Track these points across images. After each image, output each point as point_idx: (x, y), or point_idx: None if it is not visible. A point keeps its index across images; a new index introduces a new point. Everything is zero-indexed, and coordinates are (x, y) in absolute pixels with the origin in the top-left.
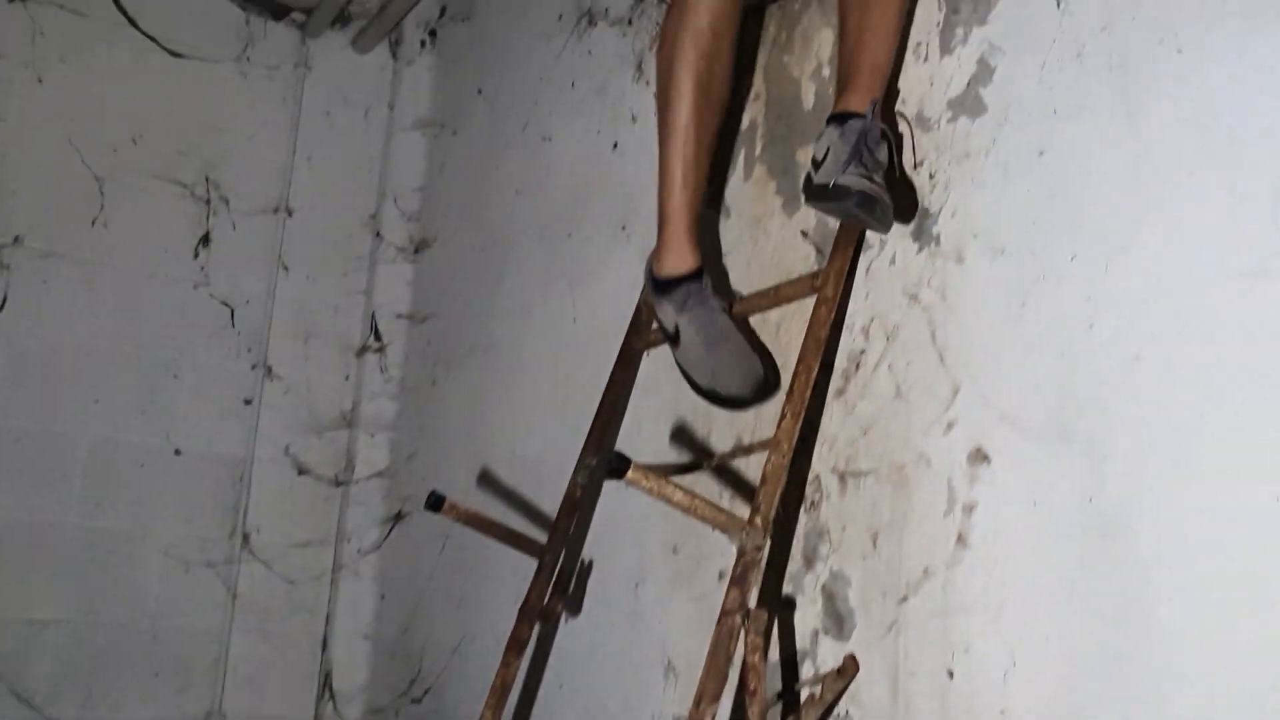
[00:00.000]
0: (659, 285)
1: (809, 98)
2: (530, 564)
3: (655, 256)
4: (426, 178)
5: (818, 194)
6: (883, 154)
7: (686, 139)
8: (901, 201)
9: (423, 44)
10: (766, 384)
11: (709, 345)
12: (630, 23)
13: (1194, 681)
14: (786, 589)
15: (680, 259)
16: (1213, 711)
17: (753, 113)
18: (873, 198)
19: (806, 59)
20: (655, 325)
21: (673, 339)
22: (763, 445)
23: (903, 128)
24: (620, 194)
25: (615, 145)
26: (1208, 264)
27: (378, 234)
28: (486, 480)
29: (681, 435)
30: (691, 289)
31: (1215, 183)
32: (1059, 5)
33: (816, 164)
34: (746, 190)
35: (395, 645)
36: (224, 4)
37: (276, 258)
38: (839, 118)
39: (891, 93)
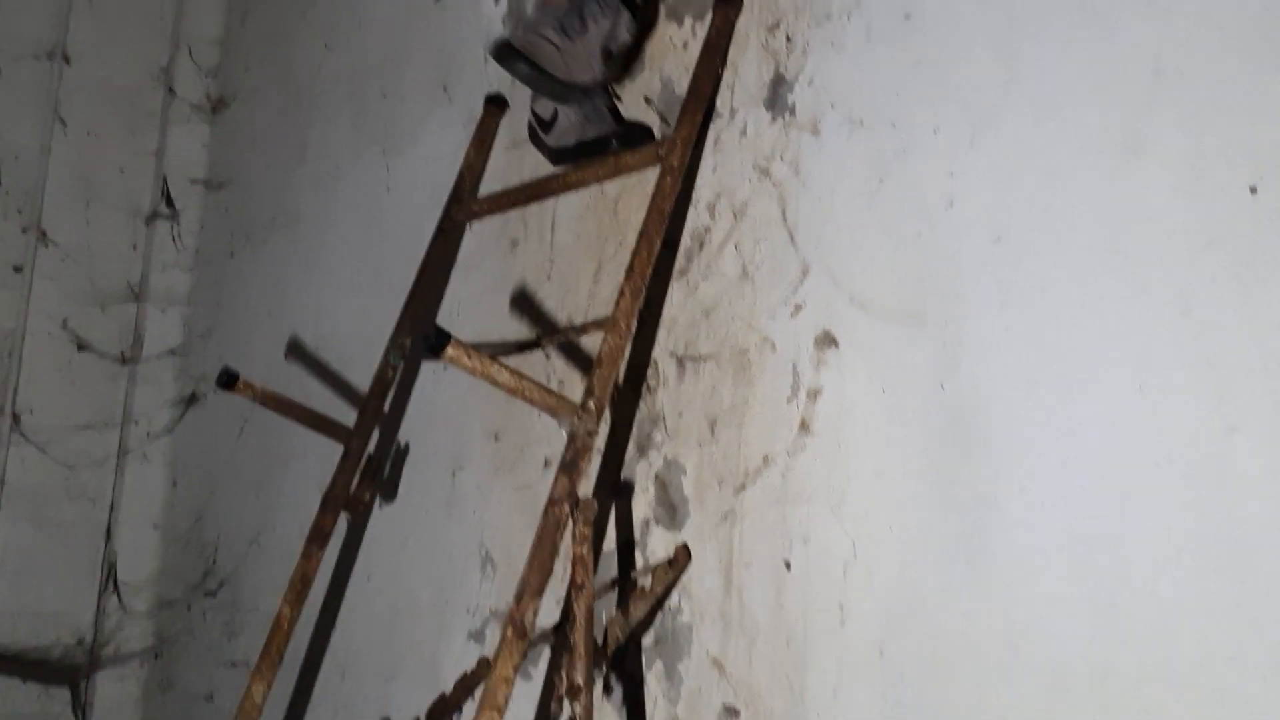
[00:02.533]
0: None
1: None
2: (337, 450)
3: None
4: (226, 29)
5: (496, 51)
6: (603, 20)
7: None
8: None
9: None
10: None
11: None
12: None
13: (1042, 576)
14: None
15: None
16: (1060, 606)
17: None
18: (536, 69)
19: None
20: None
21: (547, 124)
22: (598, 325)
23: None
24: (442, 51)
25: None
26: (1078, 138)
27: (170, 89)
28: (290, 359)
29: (508, 313)
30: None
31: (1090, 50)
32: None
33: (541, 120)
34: None
35: (188, 535)
36: None
37: (52, 109)
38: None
39: None
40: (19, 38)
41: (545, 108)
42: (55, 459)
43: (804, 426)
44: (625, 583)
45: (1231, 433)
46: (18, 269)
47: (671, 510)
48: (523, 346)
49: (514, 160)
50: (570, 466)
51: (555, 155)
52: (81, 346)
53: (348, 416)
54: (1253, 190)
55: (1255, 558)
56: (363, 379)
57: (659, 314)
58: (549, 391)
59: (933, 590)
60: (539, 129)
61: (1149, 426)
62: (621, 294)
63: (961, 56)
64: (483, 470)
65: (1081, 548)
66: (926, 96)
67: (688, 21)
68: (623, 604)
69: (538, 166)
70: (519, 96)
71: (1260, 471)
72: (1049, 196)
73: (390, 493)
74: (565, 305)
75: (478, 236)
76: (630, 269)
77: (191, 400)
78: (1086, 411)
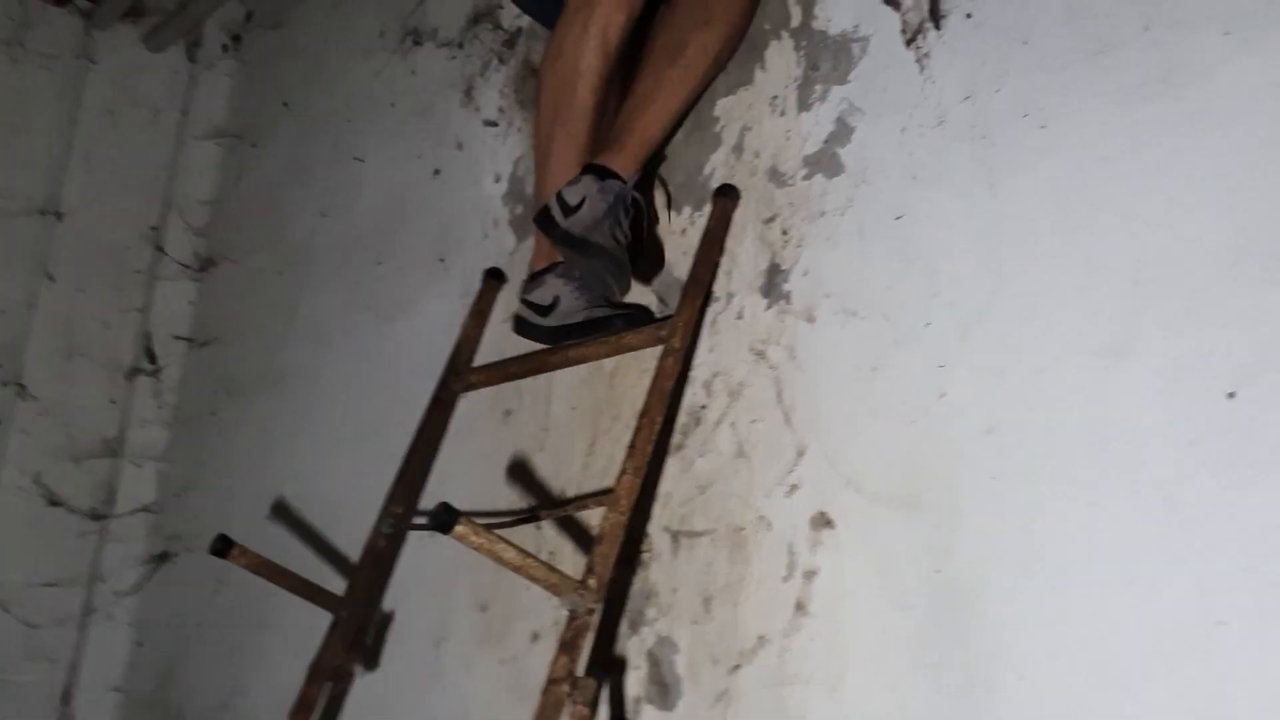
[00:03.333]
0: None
1: None
2: (317, 614)
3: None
4: (219, 191)
5: (568, 241)
6: (626, 226)
7: (579, 128)
8: (643, 265)
9: (224, 48)
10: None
11: (589, 305)
12: (461, 45)
13: None
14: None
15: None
16: None
17: None
18: (617, 259)
19: None
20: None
21: (546, 310)
22: (596, 498)
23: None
24: (439, 223)
25: (437, 172)
26: (1064, 338)
27: (159, 247)
28: (273, 522)
29: (502, 482)
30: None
31: (1073, 257)
32: (921, 70)
33: (566, 206)
34: None
35: (151, 699)
36: None
37: (40, 264)
38: (600, 171)
39: (656, 159)
40: (14, 193)
41: (544, 295)
42: (17, 617)
43: (800, 607)
44: None
45: (1218, 626)
46: None
47: (664, 689)
48: (516, 517)
49: (509, 332)
50: (570, 645)
51: (553, 334)
52: (53, 502)
53: (331, 579)
54: (1230, 395)
55: None
56: (348, 542)
57: (654, 488)
58: (552, 569)
59: None
60: (536, 314)
61: (1138, 617)
62: (623, 471)
63: (950, 256)
64: (468, 641)
65: None
66: (918, 292)
67: (687, 210)
68: None
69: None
70: (516, 271)
71: (1246, 665)
72: (1037, 392)
73: (372, 661)
74: (559, 476)
75: (471, 405)
76: (632, 447)
77: (163, 558)
78: (1078, 600)
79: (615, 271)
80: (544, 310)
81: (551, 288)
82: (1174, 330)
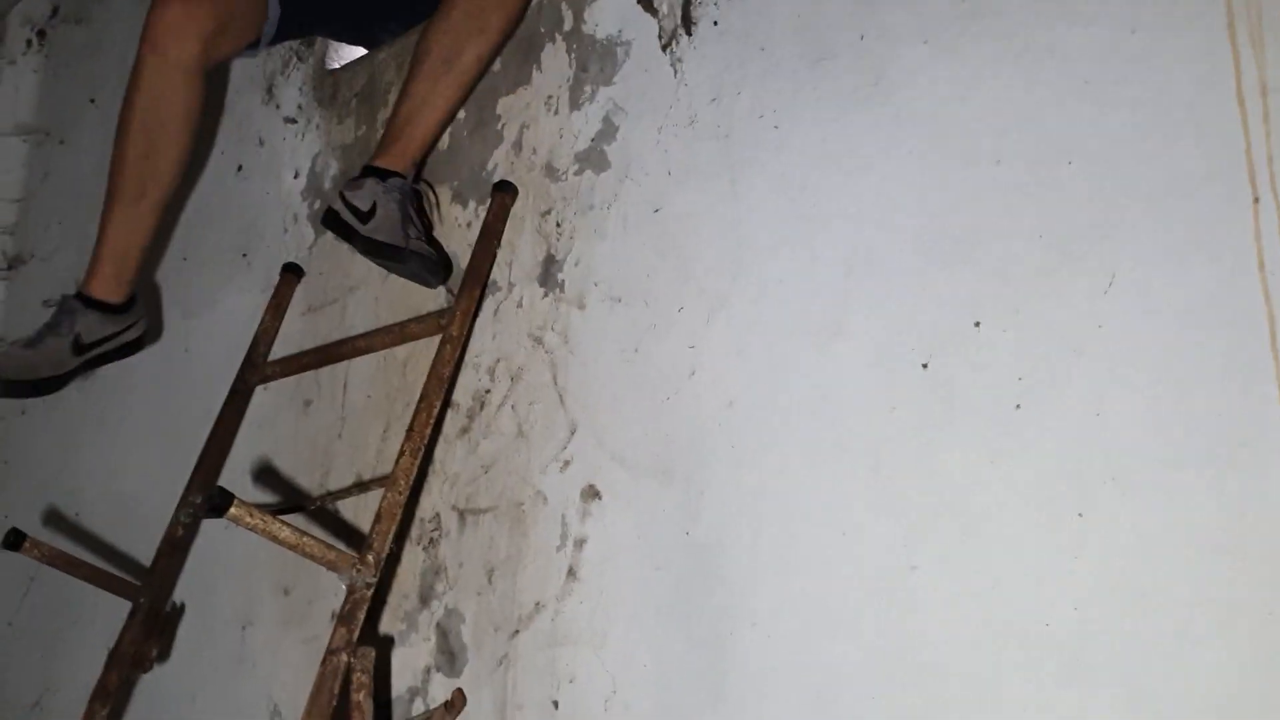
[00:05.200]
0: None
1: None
2: (125, 607)
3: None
4: (26, 188)
5: (383, 253)
6: (426, 208)
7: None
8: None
9: (29, 44)
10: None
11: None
12: None
13: (772, 702)
14: (400, 626)
15: (102, 289)
16: None
17: None
18: (435, 262)
19: None
20: None
21: (365, 216)
22: (381, 482)
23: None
24: (243, 219)
25: (240, 168)
26: (790, 320)
27: None
28: (80, 520)
29: (301, 470)
30: (75, 305)
31: (799, 248)
32: (675, 74)
33: (358, 212)
34: None
35: None
36: None
37: None
38: (380, 172)
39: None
40: None
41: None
42: None
43: (571, 573)
44: None
45: (913, 570)
46: None
47: (451, 657)
48: (311, 503)
49: (309, 325)
50: (348, 618)
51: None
52: None
53: (136, 572)
54: (924, 366)
55: (935, 673)
56: (154, 535)
57: (440, 470)
58: (328, 546)
59: None
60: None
61: (849, 565)
62: (402, 453)
63: (700, 246)
64: (272, 624)
65: (804, 676)
66: (672, 279)
67: (471, 204)
68: None
69: (330, 332)
70: (314, 265)
71: (935, 602)
72: (769, 368)
73: (167, 650)
74: (355, 462)
75: (274, 396)
76: (410, 429)
77: None
78: (801, 553)
79: (433, 268)
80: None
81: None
82: (877, 310)
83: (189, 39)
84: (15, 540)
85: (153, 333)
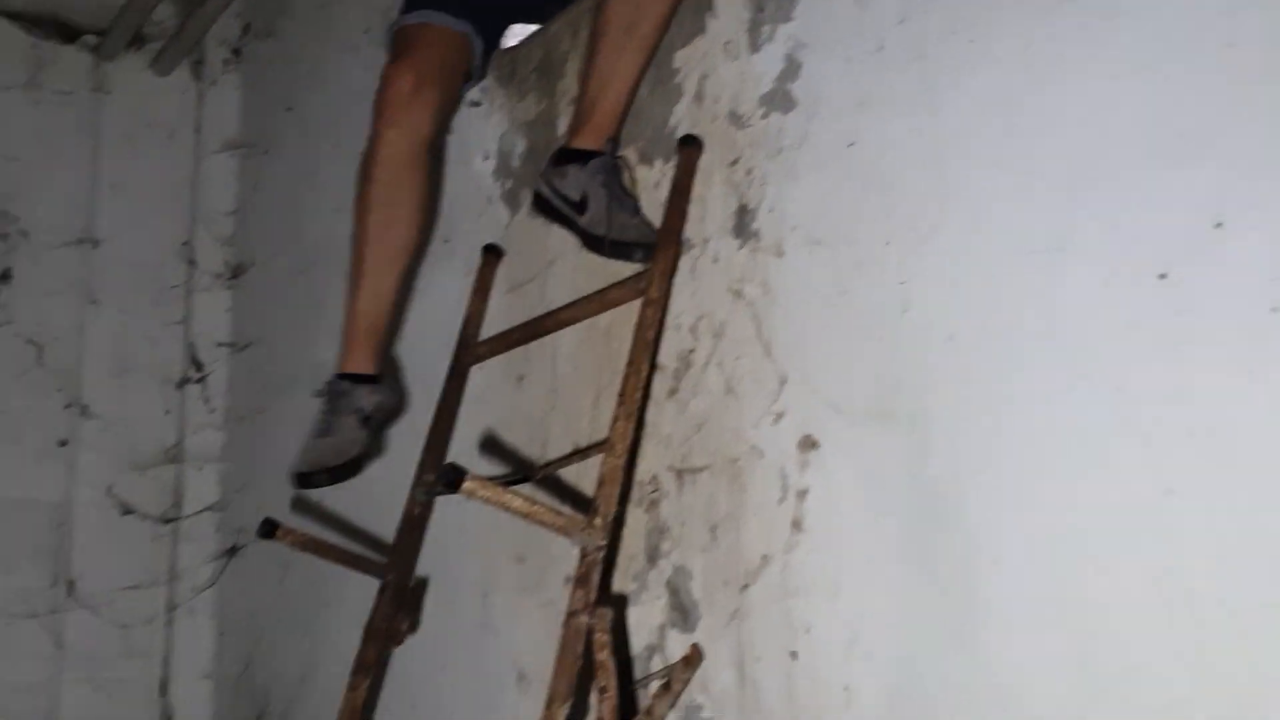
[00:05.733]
0: (336, 381)
1: None
2: (372, 585)
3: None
4: (239, 200)
5: (600, 247)
6: (627, 182)
7: (367, 255)
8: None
9: (226, 63)
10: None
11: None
12: None
13: (1020, 641)
14: (632, 586)
15: (356, 363)
16: (1038, 667)
17: (569, 117)
18: (650, 245)
19: None
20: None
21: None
22: (598, 448)
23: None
24: (441, 208)
25: None
26: (1009, 240)
27: (191, 261)
28: (324, 506)
29: (520, 442)
30: (345, 386)
31: (1013, 165)
32: (859, 0)
33: (572, 203)
34: None
35: (238, 682)
36: (6, 27)
37: (84, 291)
38: (577, 155)
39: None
40: (53, 227)
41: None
42: (109, 620)
43: (796, 525)
44: (630, 688)
45: (1168, 494)
46: (63, 443)
47: (684, 614)
48: (537, 473)
49: (513, 302)
50: (584, 579)
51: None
52: (126, 510)
53: (379, 553)
54: (1162, 276)
55: (1199, 602)
56: (392, 515)
57: (654, 431)
58: (557, 512)
59: (927, 665)
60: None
61: (1097, 495)
62: (616, 418)
63: (901, 176)
64: (510, 591)
65: (1052, 610)
66: (875, 214)
67: (657, 164)
68: (634, 707)
69: (534, 307)
70: (512, 244)
71: (1196, 528)
72: (991, 296)
73: (416, 621)
74: (571, 431)
75: (487, 374)
76: (621, 395)
77: (232, 552)
78: (1041, 486)
79: (650, 252)
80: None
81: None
82: (1106, 221)
83: (423, 110)
84: (269, 529)
85: None
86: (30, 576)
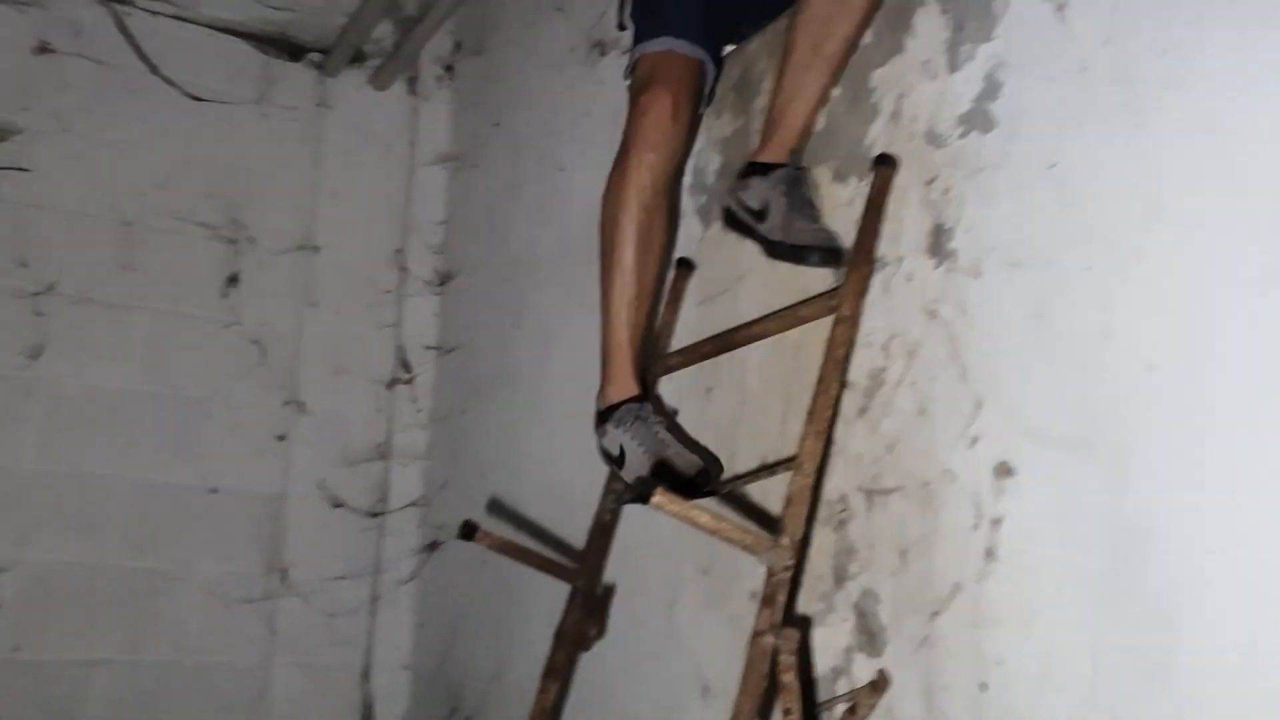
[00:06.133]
0: (603, 415)
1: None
2: (564, 589)
3: (601, 391)
4: (449, 210)
5: (776, 252)
6: (808, 191)
7: (628, 282)
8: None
9: (439, 79)
10: (709, 473)
11: (651, 452)
12: None
13: (1221, 685)
14: (818, 606)
15: (625, 389)
16: (1240, 713)
17: None
18: (833, 250)
19: None
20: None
21: (618, 459)
22: (786, 465)
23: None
24: None
25: None
26: (1218, 270)
27: (403, 267)
28: (520, 506)
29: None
30: (633, 409)
31: (1222, 188)
32: (1062, 20)
33: (753, 212)
34: None
35: (435, 674)
36: (242, 47)
37: (305, 294)
38: (761, 168)
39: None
40: (277, 234)
41: (755, 198)
42: (317, 608)
43: (989, 553)
44: (814, 711)
45: None
46: (281, 437)
47: (871, 638)
48: (724, 487)
49: (704, 314)
50: (770, 599)
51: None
52: (336, 504)
53: (568, 556)
54: None
55: None
56: (583, 520)
57: (844, 450)
58: (745, 530)
59: (1122, 705)
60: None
61: None
62: (805, 436)
63: (1104, 198)
64: (695, 603)
65: (1260, 658)
66: (1076, 237)
67: (852, 181)
68: None
69: (725, 320)
70: (704, 257)
71: None
72: (1198, 324)
73: (601, 630)
74: (759, 445)
75: (676, 384)
76: (811, 412)
77: (433, 547)
78: (1248, 526)
79: (828, 256)
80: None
81: (758, 191)
82: None
83: (679, 135)
84: (469, 532)
85: (566, 332)
86: (247, 564)
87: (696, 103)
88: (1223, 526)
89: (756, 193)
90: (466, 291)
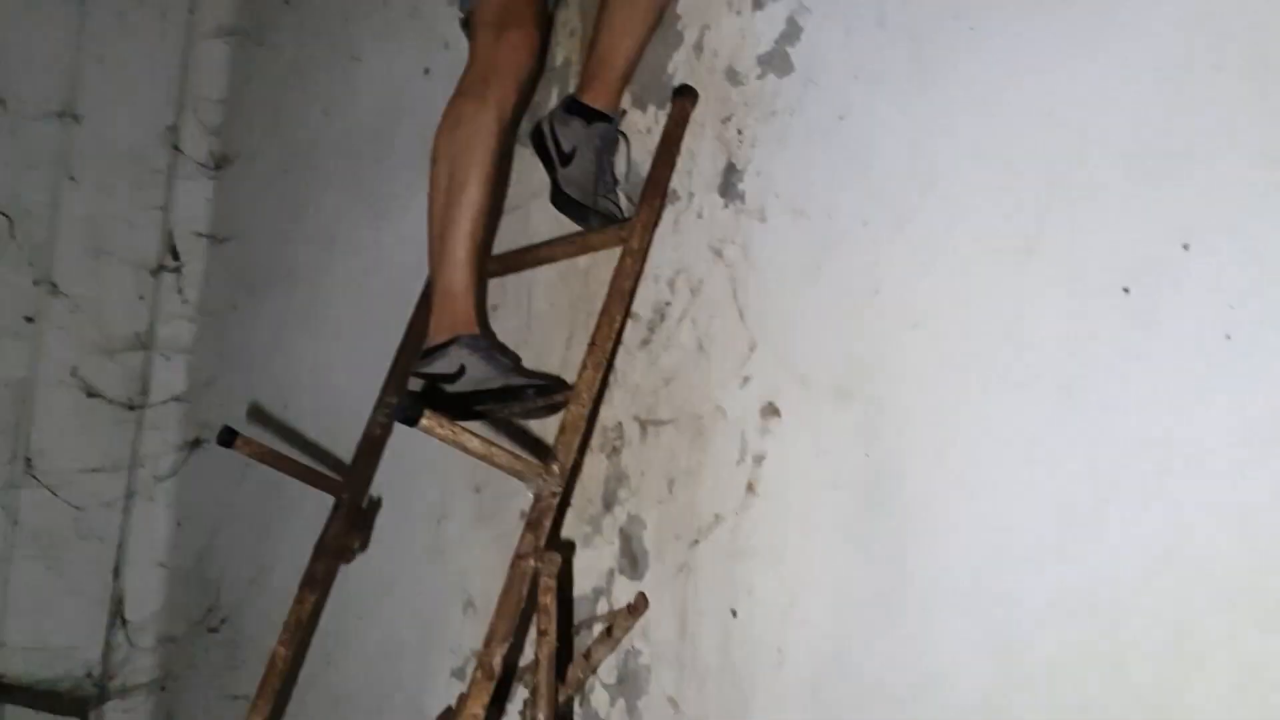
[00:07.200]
0: (439, 346)
1: None
2: (330, 498)
3: (436, 326)
4: (230, 89)
5: (567, 208)
6: (618, 160)
7: (476, 218)
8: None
9: None
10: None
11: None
12: None
13: (948, 626)
14: (585, 529)
15: (468, 327)
16: (963, 654)
17: (567, 49)
18: (613, 217)
19: None
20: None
21: (453, 378)
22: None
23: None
24: (431, 122)
25: (427, 71)
26: (983, 237)
27: (176, 146)
28: (288, 411)
29: None
30: (482, 341)
31: (994, 161)
32: None
33: (560, 152)
34: None
35: (191, 574)
36: None
37: (63, 166)
38: (587, 112)
39: None
40: (32, 99)
41: (449, 365)
42: (66, 500)
43: (750, 488)
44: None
45: (1104, 503)
46: (29, 319)
47: (633, 561)
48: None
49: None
50: (535, 524)
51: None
52: (90, 394)
53: (339, 465)
54: (1126, 290)
55: (1123, 609)
56: (355, 429)
57: (624, 380)
58: (515, 456)
59: (858, 637)
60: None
61: (1035, 495)
62: (584, 366)
63: (886, 156)
64: (465, 520)
65: (982, 601)
66: (857, 192)
67: (650, 109)
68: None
69: (515, 238)
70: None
71: (1128, 540)
72: (958, 288)
73: (364, 543)
74: (541, 367)
75: None
76: (592, 343)
77: (195, 445)
78: (985, 479)
79: (605, 223)
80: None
81: (455, 358)
82: (1077, 230)
83: (533, 73)
84: (228, 438)
85: (351, 233)
86: None
87: (549, 32)
88: (960, 481)
89: (572, 135)
90: (244, 178)
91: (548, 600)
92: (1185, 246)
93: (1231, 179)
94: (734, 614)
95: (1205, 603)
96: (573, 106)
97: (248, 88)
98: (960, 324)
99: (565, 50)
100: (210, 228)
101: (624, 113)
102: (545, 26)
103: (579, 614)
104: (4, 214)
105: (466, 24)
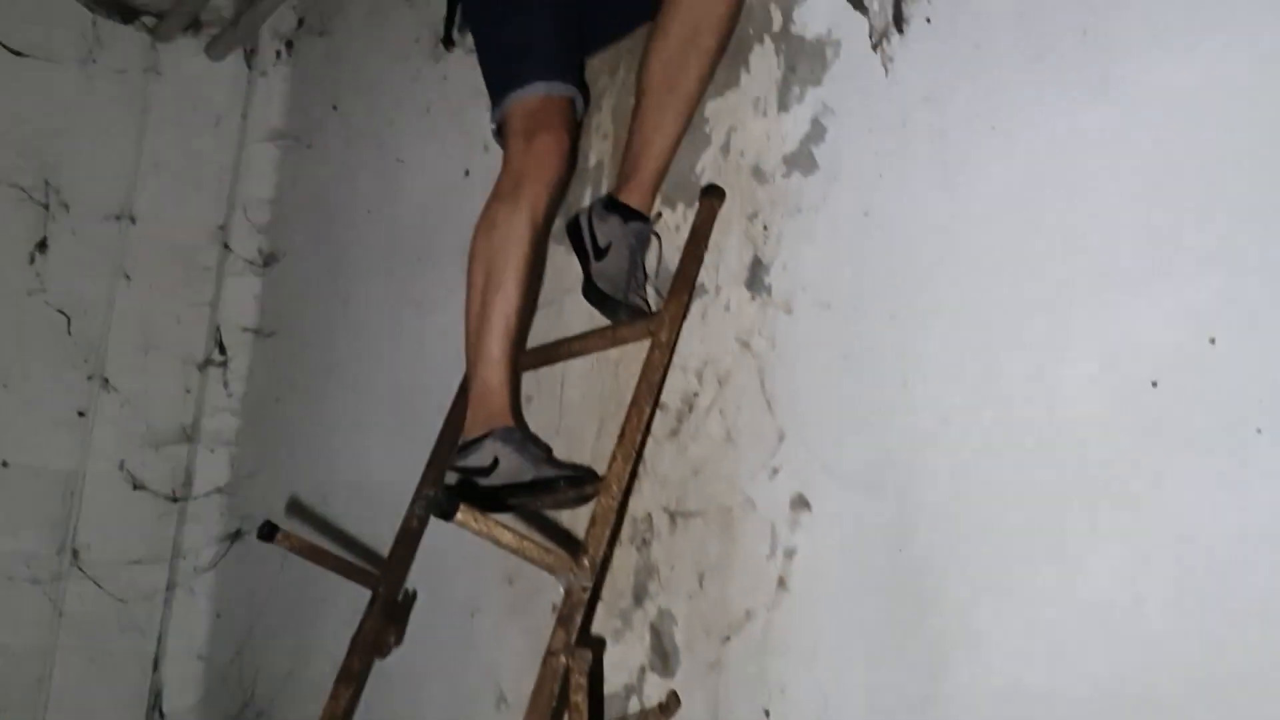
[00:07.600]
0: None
1: None
2: (366, 591)
3: (472, 422)
4: (277, 190)
5: (595, 299)
6: (649, 257)
7: (511, 316)
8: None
9: (278, 55)
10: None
11: (534, 464)
12: None
13: None
14: (616, 624)
15: (501, 417)
16: None
17: (600, 151)
18: (642, 312)
19: None
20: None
21: (486, 471)
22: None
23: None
24: (470, 221)
25: (467, 172)
26: (1008, 333)
27: (225, 245)
28: (328, 503)
29: None
30: (516, 433)
31: (1020, 256)
32: (887, 73)
33: (596, 245)
34: None
35: (228, 668)
36: (69, 3)
37: (117, 266)
38: (624, 211)
39: None
40: (93, 201)
41: (482, 459)
42: (110, 592)
43: (781, 583)
44: None
45: (1138, 603)
46: (81, 413)
47: (665, 658)
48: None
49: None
50: (566, 619)
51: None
52: (136, 486)
53: (377, 558)
54: (1153, 384)
55: (1163, 707)
56: (394, 521)
57: (653, 471)
58: (546, 549)
59: None
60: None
61: (1070, 593)
62: (614, 458)
63: (913, 251)
64: (498, 612)
65: (1021, 701)
66: (883, 285)
67: (679, 207)
68: None
69: (549, 332)
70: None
71: (1165, 636)
72: (987, 383)
73: (400, 637)
74: (572, 457)
75: None
76: (622, 435)
77: (236, 536)
78: (1020, 578)
79: (634, 316)
80: (484, 471)
81: (489, 450)
82: (1103, 325)
83: (566, 177)
84: (268, 532)
85: (392, 329)
86: (36, 542)
87: (579, 137)
88: (996, 581)
89: (609, 231)
90: (290, 276)
91: (579, 699)
92: (1211, 340)
93: (1255, 271)
94: (766, 715)
95: (1247, 699)
96: (611, 204)
97: (295, 188)
98: (991, 423)
99: (598, 152)
100: (257, 323)
101: (659, 215)
102: (575, 131)
103: (611, 712)
104: (62, 312)
105: (499, 133)
